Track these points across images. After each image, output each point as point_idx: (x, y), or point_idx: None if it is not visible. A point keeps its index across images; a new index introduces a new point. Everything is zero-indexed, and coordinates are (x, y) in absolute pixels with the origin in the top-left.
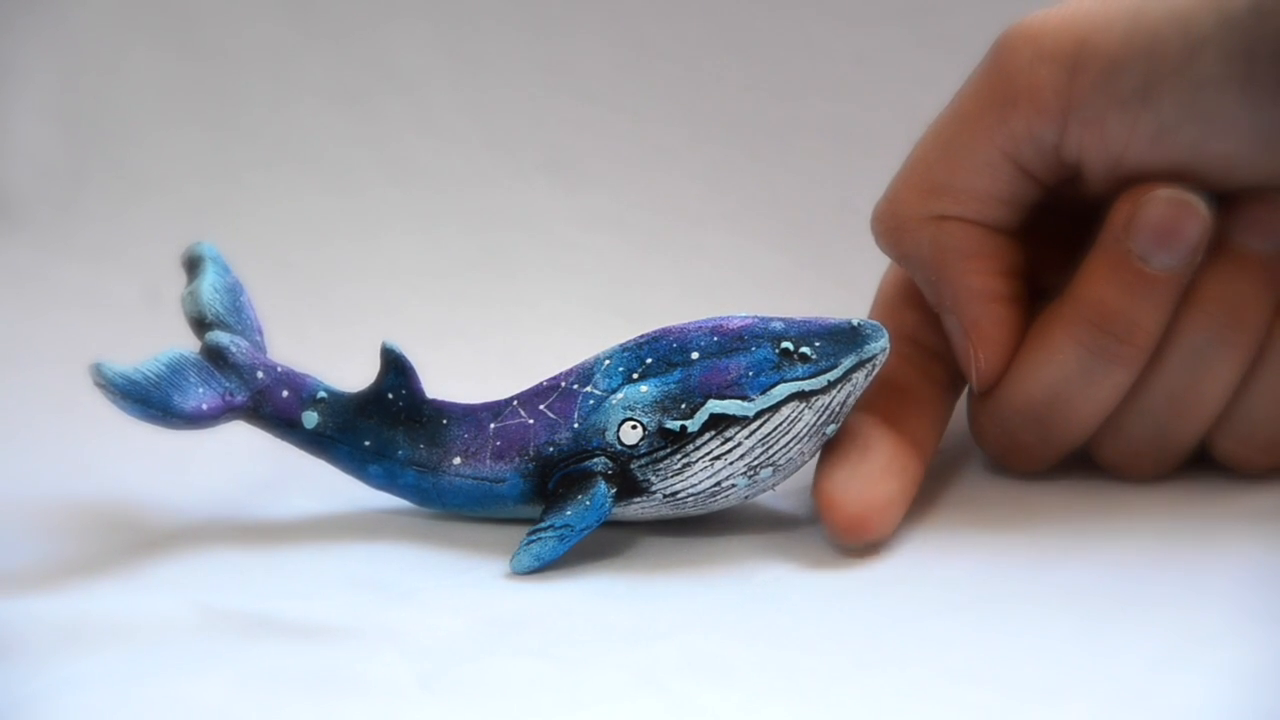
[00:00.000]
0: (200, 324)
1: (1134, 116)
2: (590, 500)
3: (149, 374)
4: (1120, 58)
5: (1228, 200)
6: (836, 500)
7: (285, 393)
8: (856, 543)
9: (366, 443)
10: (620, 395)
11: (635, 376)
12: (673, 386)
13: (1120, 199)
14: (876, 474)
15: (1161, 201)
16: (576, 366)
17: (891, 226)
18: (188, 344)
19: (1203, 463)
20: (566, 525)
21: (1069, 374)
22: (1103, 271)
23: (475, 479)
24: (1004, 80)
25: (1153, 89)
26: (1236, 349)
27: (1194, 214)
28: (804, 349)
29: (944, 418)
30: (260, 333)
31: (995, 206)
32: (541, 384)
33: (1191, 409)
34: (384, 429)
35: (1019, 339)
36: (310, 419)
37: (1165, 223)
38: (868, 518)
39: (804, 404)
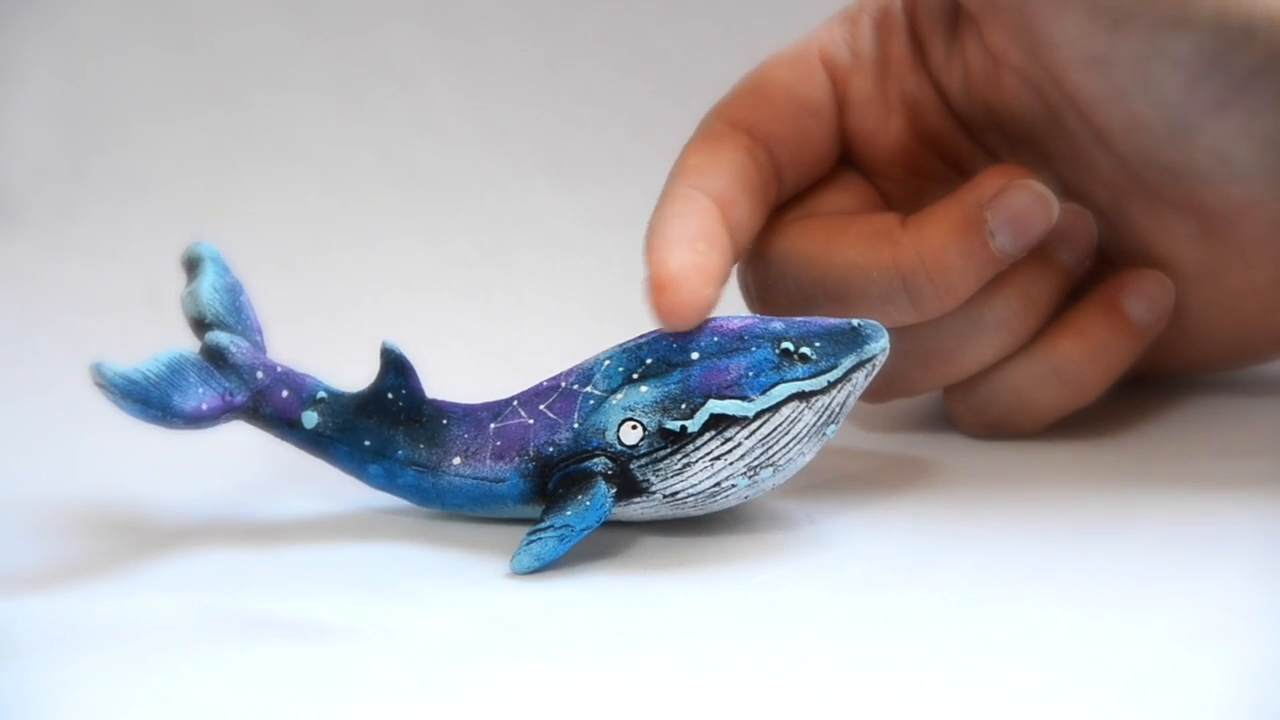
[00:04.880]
0: (200, 324)
1: (1090, 30)
2: (590, 500)
3: (149, 374)
4: None
5: None
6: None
7: (285, 393)
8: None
9: (366, 442)
10: (620, 395)
11: (635, 377)
12: (673, 387)
13: (996, 169)
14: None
15: (1032, 191)
16: (576, 367)
17: None
18: (188, 344)
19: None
20: (566, 525)
21: (871, 298)
22: (956, 227)
23: (475, 479)
24: None
25: (1125, 25)
26: (1010, 337)
27: (1049, 214)
28: (804, 349)
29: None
30: (260, 333)
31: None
32: (541, 384)
33: (940, 367)
34: (384, 429)
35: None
36: (310, 419)
37: (1026, 212)
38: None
39: (804, 404)
